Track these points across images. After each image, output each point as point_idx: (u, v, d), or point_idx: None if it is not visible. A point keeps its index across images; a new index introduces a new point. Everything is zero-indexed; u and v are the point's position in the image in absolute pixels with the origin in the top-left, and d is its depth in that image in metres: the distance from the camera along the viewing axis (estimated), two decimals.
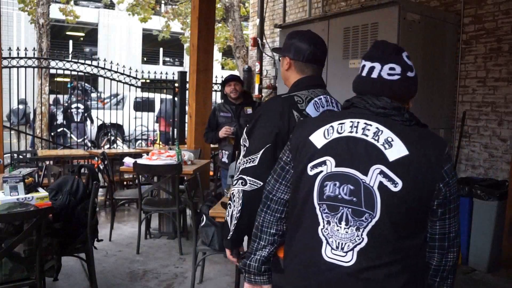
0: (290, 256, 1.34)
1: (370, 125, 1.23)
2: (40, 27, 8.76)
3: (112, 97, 9.74)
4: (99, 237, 3.13)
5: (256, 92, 7.39)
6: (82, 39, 22.52)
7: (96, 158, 5.95)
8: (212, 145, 5.56)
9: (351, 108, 1.32)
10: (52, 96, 9.02)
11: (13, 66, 6.51)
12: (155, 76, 7.82)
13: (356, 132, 1.23)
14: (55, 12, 11.39)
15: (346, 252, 1.19)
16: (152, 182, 4.79)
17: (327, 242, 1.21)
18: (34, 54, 7.31)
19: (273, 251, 1.43)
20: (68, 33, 21.07)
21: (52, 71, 7.98)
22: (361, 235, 1.18)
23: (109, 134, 9.24)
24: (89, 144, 9.13)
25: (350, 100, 1.34)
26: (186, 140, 6.11)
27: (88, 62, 7.45)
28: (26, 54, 6.93)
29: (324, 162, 1.24)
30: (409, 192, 1.17)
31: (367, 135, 1.21)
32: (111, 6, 19.35)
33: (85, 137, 8.94)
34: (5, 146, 5.22)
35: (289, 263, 1.35)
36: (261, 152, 1.56)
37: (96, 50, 20.81)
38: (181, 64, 23.21)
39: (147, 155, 4.39)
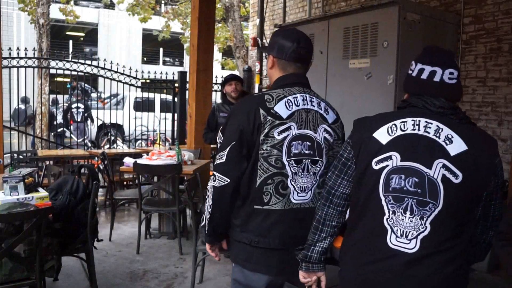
0: (351, 244, 1.45)
1: (431, 123, 1.34)
2: (40, 27, 8.76)
3: (112, 97, 9.75)
4: (99, 237, 3.13)
5: (256, 92, 7.39)
6: (82, 39, 22.53)
7: (96, 158, 5.95)
8: (212, 145, 5.56)
9: (408, 108, 1.43)
10: (52, 96, 9.02)
11: (13, 66, 6.51)
12: (155, 76, 7.82)
13: (419, 130, 1.35)
14: (55, 12, 11.39)
15: (410, 239, 1.30)
16: (152, 182, 4.79)
17: (392, 231, 1.33)
18: (34, 54, 7.31)
19: (332, 242, 1.54)
20: (68, 33, 21.07)
21: (52, 71, 7.98)
22: (425, 223, 1.30)
23: (109, 134, 9.24)
24: (89, 144, 9.13)
25: (407, 100, 1.45)
26: (186, 140, 6.11)
27: (88, 62, 7.45)
28: (26, 54, 6.94)
29: (389, 157, 1.35)
30: (468, 183, 1.29)
31: (429, 132, 1.34)
32: (111, 6, 19.35)
33: (85, 137, 8.95)
34: (5, 146, 5.22)
35: (348, 250, 1.46)
36: (227, 149, 1.59)
37: (96, 50, 20.81)
38: (181, 64, 23.21)
39: (147, 155, 4.39)
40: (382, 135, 1.38)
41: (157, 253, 4.04)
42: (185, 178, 4.34)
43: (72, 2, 12.38)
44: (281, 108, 1.60)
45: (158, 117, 8.47)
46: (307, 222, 1.60)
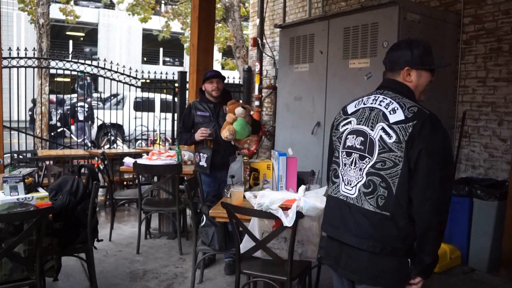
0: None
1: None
2: (40, 27, 8.76)
3: (112, 97, 9.74)
4: (99, 237, 3.13)
5: (256, 92, 7.39)
6: (82, 39, 22.52)
7: (96, 158, 5.95)
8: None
9: None
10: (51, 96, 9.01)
11: (13, 66, 6.51)
12: (155, 76, 7.82)
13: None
14: (55, 12, 11.38)
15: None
16: (152, 182, 4.79)
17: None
18: (34, 54, 7.30)
19: None
20: (68, 33, 21.07)
21: (52, 71, 7.98)
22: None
23: (109, 134, 9.24)
24: (89, 144, 9.13)
25: None
26: None
27: (88, 62, 7.45)
28: (26, 54, 6.93)
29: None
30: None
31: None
32: (111, 6, 19.35)
33: (85, 137, 8.95)
34: (5, 146, 5.21)
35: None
36: None
37: (96, 50, 20.80)
38: (181, 64, 23.20)
39: (147, 155, 4.39)
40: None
41: (157, 253, 4.04)
42: (185, 178, 4.34)
43: (72, 2, 12.36)
44: (350, 106, 1.82)
45: (158, 117, 8.47)
46: (344, 218, 1.68)
